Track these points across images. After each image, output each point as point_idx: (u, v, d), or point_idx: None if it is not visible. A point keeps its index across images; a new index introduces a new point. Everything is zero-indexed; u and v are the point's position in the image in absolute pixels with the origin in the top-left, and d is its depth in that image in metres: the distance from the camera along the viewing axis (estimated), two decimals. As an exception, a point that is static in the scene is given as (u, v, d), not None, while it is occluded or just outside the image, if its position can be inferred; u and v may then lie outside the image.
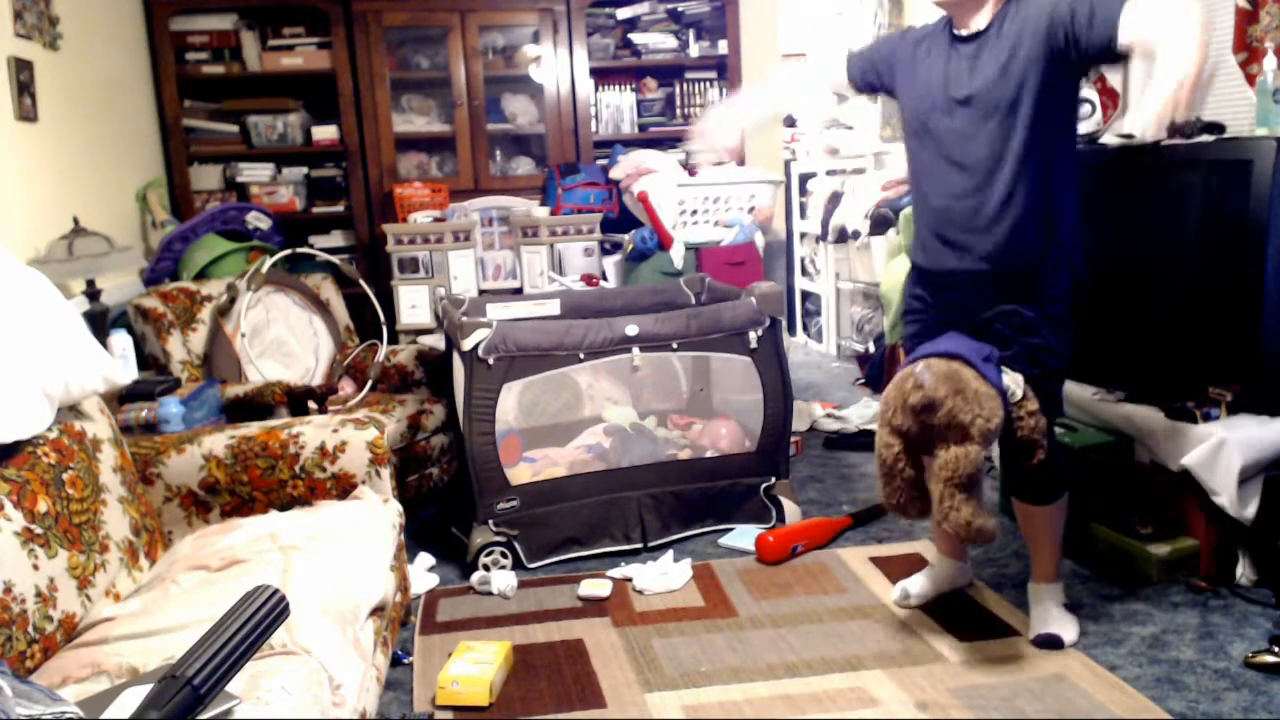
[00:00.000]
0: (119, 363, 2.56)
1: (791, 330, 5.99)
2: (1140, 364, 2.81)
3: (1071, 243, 2.19)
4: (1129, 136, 2.95)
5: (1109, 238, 2.90)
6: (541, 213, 4.09)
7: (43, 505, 1.71)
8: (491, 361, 2.72)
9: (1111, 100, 3.66)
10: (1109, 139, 3.03)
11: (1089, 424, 2.88)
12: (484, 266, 4.18)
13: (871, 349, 4.86)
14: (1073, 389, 2.98)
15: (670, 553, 2.83)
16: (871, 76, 2.38)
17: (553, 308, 3.32)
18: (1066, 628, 2.29)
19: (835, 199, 5.31)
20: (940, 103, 2.16)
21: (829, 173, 5.53)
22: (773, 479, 3.03)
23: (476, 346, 2.70)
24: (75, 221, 2.96)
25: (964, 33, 2.14)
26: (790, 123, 6.26)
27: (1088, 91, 3.07)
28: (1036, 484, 2.29)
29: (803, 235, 5.92)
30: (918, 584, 2.51)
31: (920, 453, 2.13)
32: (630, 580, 2.68)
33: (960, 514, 2.03)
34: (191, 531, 2.13)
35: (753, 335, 2.93)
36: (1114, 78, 3.67)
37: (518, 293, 4.08)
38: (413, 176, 4.47)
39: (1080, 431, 2.83)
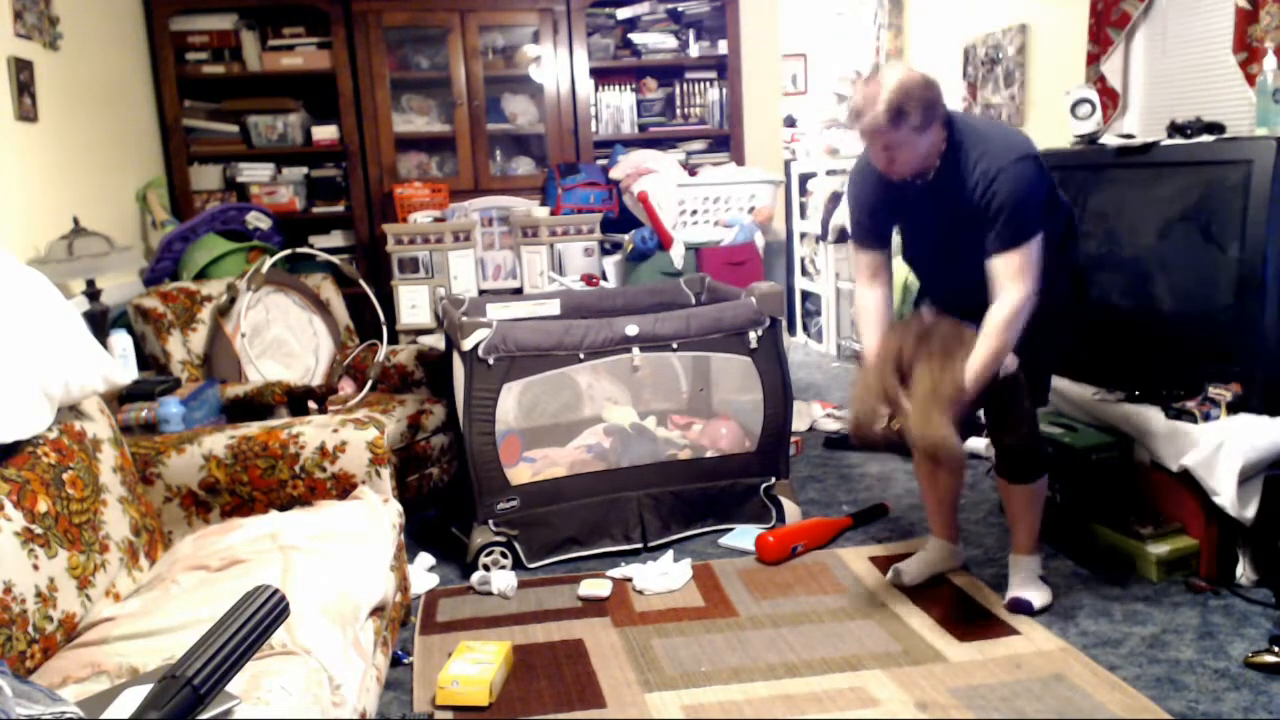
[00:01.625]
0: (119, 363, 2.56)
1: (791, 330, 5.99)
2: (1140, 364, 2.81)
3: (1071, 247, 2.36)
4: (1129, 136, 2.95)
5: (1109, 237, 2.90)
6: (541, 213, 4.10)
7: (43, 505, 1.71)
8: (491, 361, 2.72)
9: (1111, 100, 3.66)
10: (1109, 139, 3.03)
11: (1089, 424, 2.88)
12: (484, 266, 4.18)
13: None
14: (1073, 389, 2.98)
15: (670, 553, 2.83)
16: (883, 232, 2.48)
17: (553, 308, 3.32)
18: (1038, 595, 2.44)
19: (835, 199, 5.31)
20: (921, 230, 2.41)
21: (829, 173, 5.53)
22: (773, 479, 3.03)
23: (476, 346, 2.70)
24: (75, 221, 2.96)
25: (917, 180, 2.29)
26: (790, 123, 6.27)
27: (1087, 92, 3.08)
28: (1017, 464, 2.44)
29: (803, 235, 5.92)
30: (912, 565, 2.62)
31: (904, 384, 2.27)
32: (630, 580, 2.68)
33: (934, 426, 2.15)
34: (191, 531, 2.13)
35: (753, 335, 2.93)
36: (1114, 78, 3.68)
37: (518, 293, 4.08)
38: (413, 176, 4.48)
39: (1080, 431, 2.83)
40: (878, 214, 2.44)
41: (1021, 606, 2.41)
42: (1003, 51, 4.35)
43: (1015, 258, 2.17)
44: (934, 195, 2.27)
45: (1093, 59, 3.69)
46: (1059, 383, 3.04)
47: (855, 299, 2.55)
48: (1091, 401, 2.87)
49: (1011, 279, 2.18)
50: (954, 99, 4.76)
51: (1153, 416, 2.64)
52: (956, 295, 2.36)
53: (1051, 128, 3.81)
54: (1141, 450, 2.72)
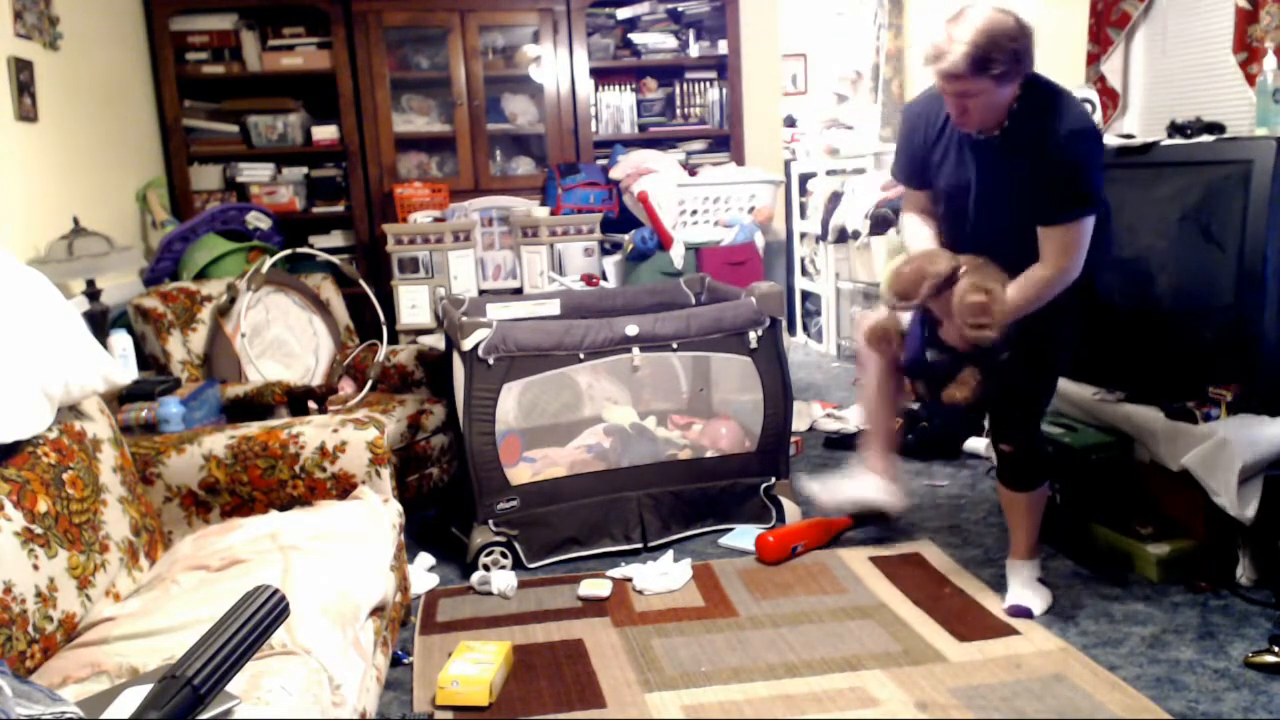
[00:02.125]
0: (119, 363, 2.56)
1: (791, 330, 5.99)
2: (1140, 364, 2.81)
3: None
4: (1129, 136, 2.95)
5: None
6: (541, 213, 4.10)
7: (43, 505, 1.71)
8: (491, 361, 2.72)
9: (1112, 100, 3.67)
10: (1109, 139, 3.03)
11: (1089, 424, 2.88)
12: (484, 266, 4.18)
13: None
14: (1073, 389, 2.98)
15: (670, 553, 2.83)
16: (928, 177, 2.39)
17: (553, 308, 3.32)
18: (1037, 600, 2.43)
19: (835, 199, 5.31)
20: (962, 191, 2.29)
21: (829, 173, 5.53)
22: (773, 479, 3.03)
23: (476, 346, 2.70)
24: (75, 221, 2.96)
25: (979, 136, 2.21)
26: (790, 123, 6.27)
27: (1087, 92, 3.08)
28: (1017, 471, 2.44)
29: (803, 235, 5.92)
30: (836, 486, 2.69)
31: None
32: (630, 580, 2.68)
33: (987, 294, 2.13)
34: (191, 531, 2.13)
35: (753, 335, 2.93)
36: (1114, 78, 3.68)
37: (518, 293, 4.08)
38: (413, 176, 4.48)
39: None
40: (926, 162, 2.34)
41: (1021, 612, 2.41)
42: (1003, 51, 4.34)
43: (1070, 231, 2.12)
44: (996, 152, 2.17)
45: (1093, 59, 3.69)
46: (1059, 382, 3.04)
47: (902, 226, 2.51)
48: (1091, 401, 2.87)
49: (1060, 252, 2.14)
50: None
51: (1153, 416, 2.64)
52: (985, 251, 2.27)
53: (1051, 128, 3.80)
54: (1141, 450, 2.72)
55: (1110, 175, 2.89)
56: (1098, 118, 3.06)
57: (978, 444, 3.59)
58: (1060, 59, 3.96)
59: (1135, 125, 3.67)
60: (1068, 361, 2.46)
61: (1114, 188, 2.88)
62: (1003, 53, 2.00)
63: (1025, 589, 2.45)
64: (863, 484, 2.68)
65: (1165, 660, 2.17)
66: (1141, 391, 2.76)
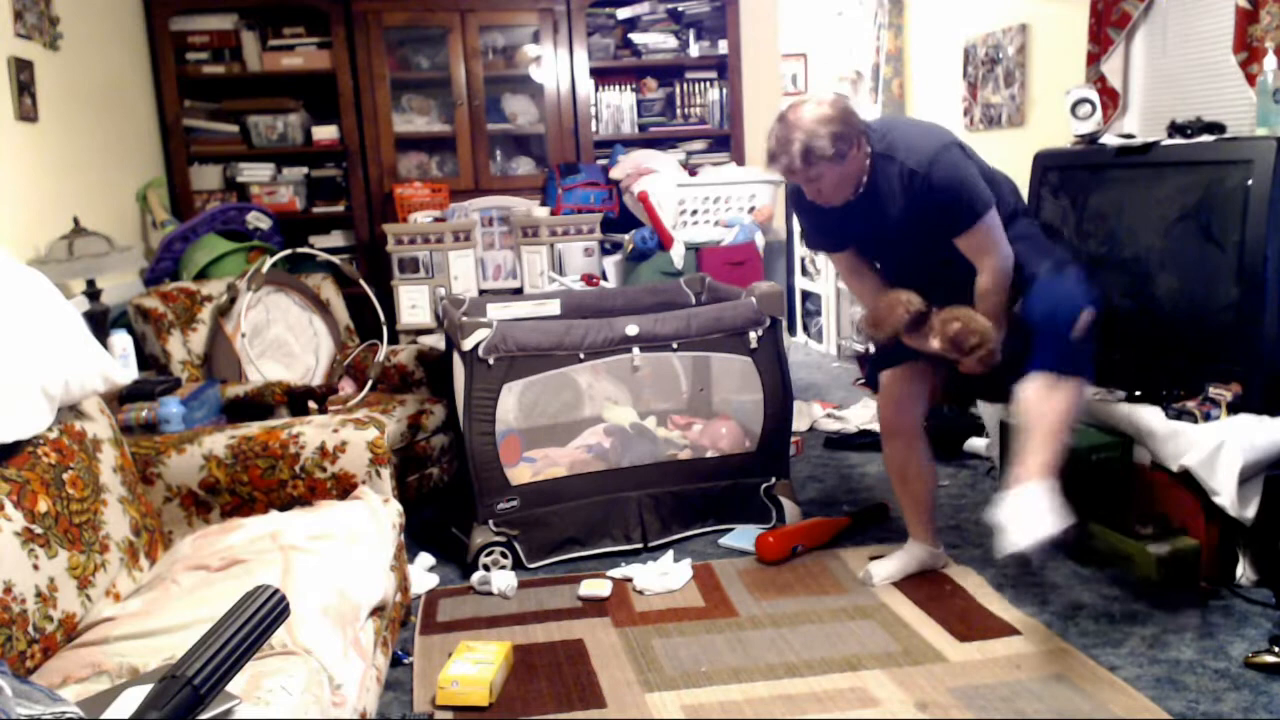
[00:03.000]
0: (119, 363, 2.56)
1: (792, 330, 5.99)
2: (1140, 364, 2.81)
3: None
4: (1129, 136, 2.95)
5: (1109, 238, 2.90)
6: (542, 213, 4.09)
7: (43, 505, 1.71)
8: (491, 361, 2.72)
9: (1112, 100, 3.66)
10: (1109, 139, 3.03)
11: (1089, 424, 2.88)
12: (484, 266, 4.18)
13: (871, 349, 4.86)
14: (1073, 389, 2.97)
15: (670, 553, 2.83)
16: (840, 240, 2.54)
17: (553, 308, 3.32)
18: (1044, 524, 2.08)
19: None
20: (880, 242, 2.45)
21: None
22: (773, 479, 3.03)
23: (477, 346, 2.70)
24: (75, 221, 2.96)
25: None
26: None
27: (1088, 92, 3.08)
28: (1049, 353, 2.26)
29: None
30: (885, 566, 2.64)
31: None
32: (630, 580, 2.68)
33: (971, 319, 2.29)
34: (192, 531, 2.13)
35: (753, 335, 2.93)
36: (1114, 78, 3.68)
37: (518, 293, 4.08)
38: (413, 176, 4.47)
39: (1080, 431, 2.82)
40: (829, 229, 2.51)
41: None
42: (1003, 51, 4.35)
43: (977, 234, 2.28)
44: (874, 205, 2.32)
45: (1093, 59, 3.69)
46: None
47: (848, 286, 2.64)
48: (1091, 401, 2.87)
49: (983, 252, 2.31)
50: (954, 99, 4.77)
51: (1153, 416, 2.63)
52: (925, 289, 2.39)
53: (1052, 127, 3.81)
54: (1141, 450, 2.72)
55: (1110, 175, 2.91)
56: (1098, 117, 3.05)
57: (978, 444, 3.59)
58: (1060, 59, 3.96)
59: (1135, 125, 3.67)
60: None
61: (1114, 188, 2.89)
62: (826, 139, 2.18)
63: (1031, 511, 2.08)
64: (908, 556, 2.66)
65: (1165, 660, 2.17)
66: (1142, 391, 2.76)
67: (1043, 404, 2.21)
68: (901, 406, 2.57)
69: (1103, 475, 2.74)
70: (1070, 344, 2.24)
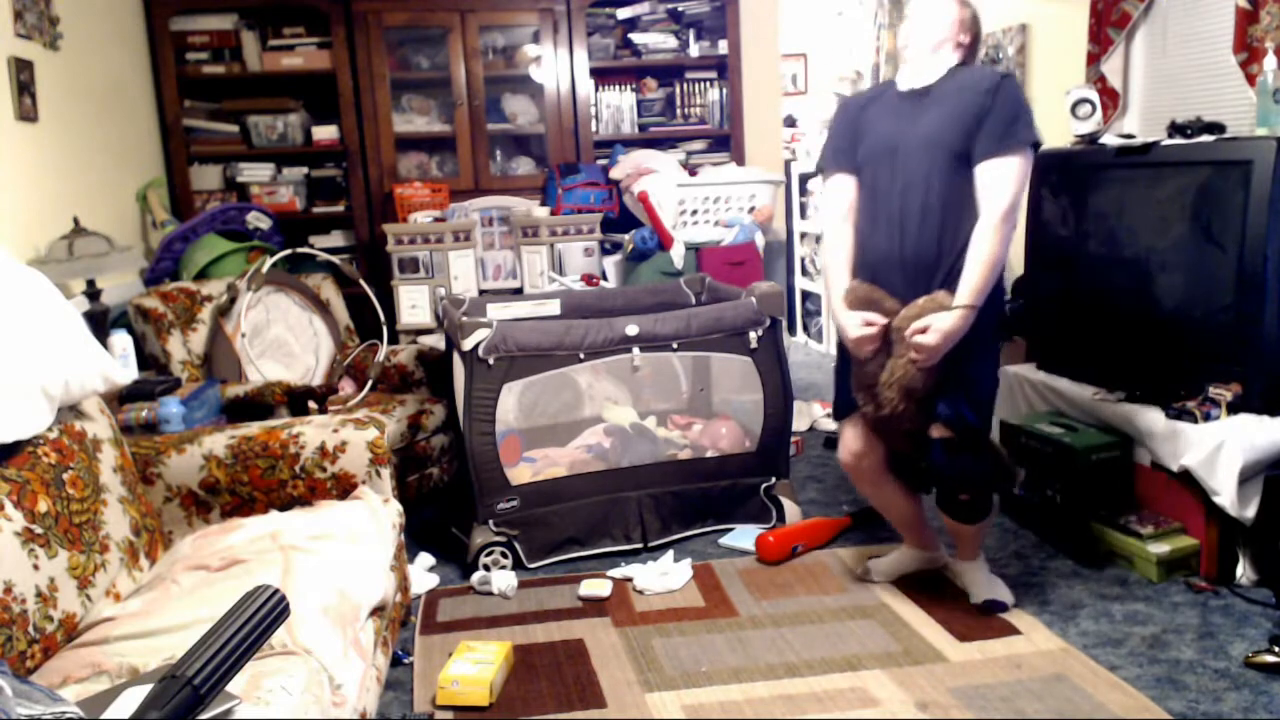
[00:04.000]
0: (119, 363, 2.56)
1: (792, 330, 5.99)
2: (1140, 364, 2.81)
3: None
4: (1129, 136, 2.95)
5: (1109, 237, 2.90)
6: (541, 213, 4.09)
7: (43, 505, 1.71)
8: (491, 361, 2.72)
9: (1112, 100, 3.66)
10: (1109, 139, 3.03)
11: (1089, 424, 2.88)
12: (484, 266, 4.18)
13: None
14: (1072, 389, 2.98)
15: (670, 553, 2.83)
16: (859, 159, 2.41)
17: (553, 308, 3.32)
18: (1004, 591, 2.48)
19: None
20: (887, 148, 2.32)
21: (829, 173, 5.53)
22: (773, 479, 3.03)
23: (477, 346, 2.70)
24: (75, 221, 2.96)
25: (912, 88, 2.35)
26: (790, 123, 6.27)
27: (1088, 92, 3.08)
28: (973, 511, 2.43)
29: (803, 235, 5.92)
30: (884, 564, 2.66)
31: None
32: (630, 580, 2.68)
33: (899, 407, 2.28)
34: (192, 531, 2.13)
35: (753, 335, 2.93)
36: (1114, 78, 3.68)
37: (518, 293, 4.08)
38: (413, 176, 4.47)
39: (1080, 431, 2.83)
40: (859, 140, 2.39)
41: (996, 607, 2.43)
42: (1003, 51, 4.35)
43: (1009, 163, 2.18)
44: (928, 108, 2.28)
45: (1093, 59, 3.69)
46: (1058, 382, 3.05)
47: (827, 237, 2.46)
48: (1091, 401, 2.87)
49: (1001, 191, 2.18)
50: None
51: (1153, 416, 2.64)
52: (904, 259, 2.28)
53: (1052, 127, 3.79)
54: (1141, 450, 2.72)
55: (1110, 175, 2.91)
56: (1098, 117, 3.05)
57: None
58: (1060, 59, 3.95)
59: (1135, 125, 3.67)
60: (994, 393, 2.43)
61: (1114, 188, 2.89)
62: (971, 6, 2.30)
63: (989, 584, 2.49)
64: (905, 556, 2.68)
65: (1165, 660, 2.18)
66: (1142, 391, 2.76)
67: (970, 532, 2.47)
68: (859, 455, 2.50)
69: (1103, 475, 2.75)
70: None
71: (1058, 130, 3.29)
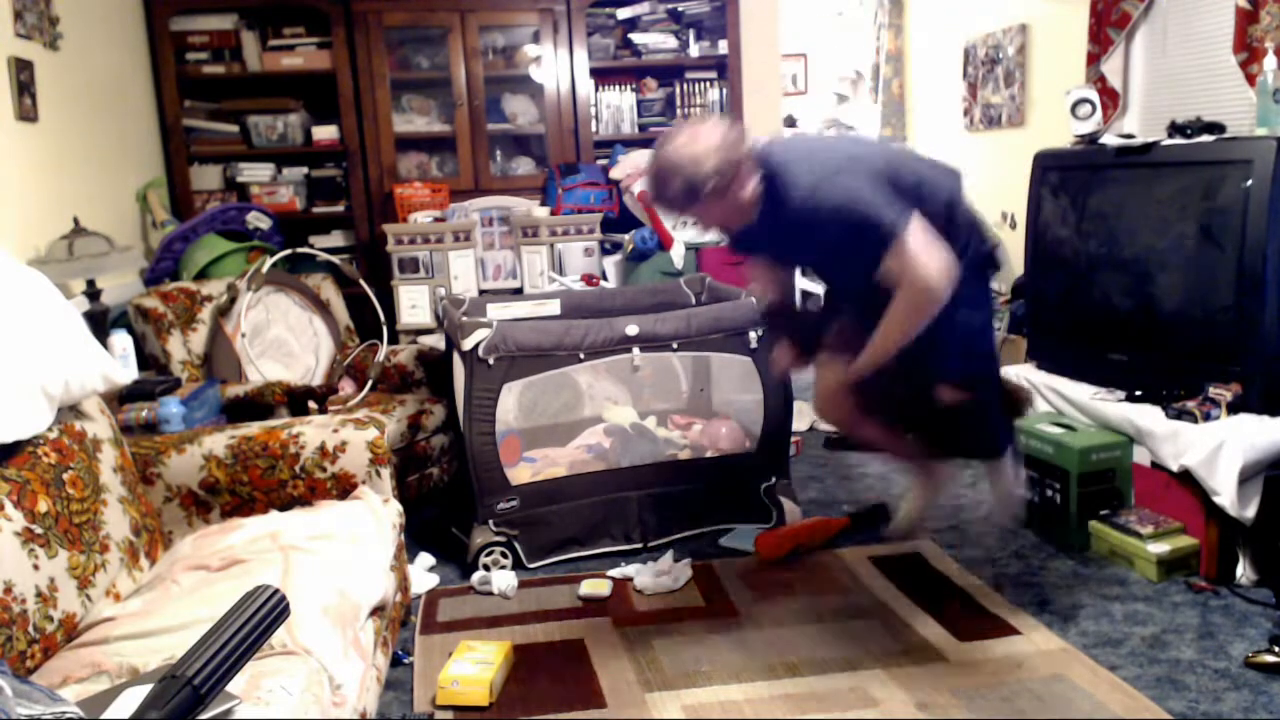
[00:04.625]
0: (119, 362, 2.56)
1: (791, 330, 5.98)
2: (1140, 364, 2.81)
3: None
4: (1129, 136, 2.95)
5: (1109, 238, 2.90)
6: (542, 213, 4.10)
7: (43, 505, 1.71)
8: (491, 361, 2.72)
9: (1112, 100, 3.66)
10: (1109, 139, 3.04)
11: (1088, 424, 2.88)
12: (484, 266, 4.18)
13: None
14: (1072, 388, 2.98)
15: (670, 553, 2.83)
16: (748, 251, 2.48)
17: (553, 308, 3.32)
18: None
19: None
20: (788, 254, 2.41)
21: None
22: (773, 479, 3.03)
23: (477, 346, 2.70)
24: (75, 221, 2.96)
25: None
26: (790, 123, 6.27)
27: (1088, 92, 3.08)
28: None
29: (803, 235, 5.91)
30: (903, 514, 2.76)
31: None
32: (630, 580, 2.68)
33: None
34: (192, 531, 2.13)
35: (753, 335, 2.93)
36: (1114, 78, 3.68)
37: (518, 293, 4.08)
38: (413, 176, 4.47)
39: (1080, 431, 2.83)
40: (738, 243, 2.38)
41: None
42: (1003, 51, 4.35)
43: (902, 242, 2.03)
44: (774, 229, 2.16)
45: (1093, 59, 3.69)
46: (1058, 382, 3.05)
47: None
48: (1091, 401, 2.87)
49: (913, 255, 2.03)
50: (954, 99, 4.77)
51: (1153, 416, 2.64)
52: (859, 297, 2.27)
53: (1052, 128, 3.81)
54: (1141, 450, 2.72)
55: (1110, 175, 2.91)
56: (1098, 117, 3.05)
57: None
58: (1060, 59, 3.96)
59: (1135, 125, 3.67)
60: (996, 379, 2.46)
61: (1114, 188, 2.89)
62: (701, 173, 2.00)
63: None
64: (921, 496, 2.73)
65: (1165, 660, 2.18)
66: (1142, 391, 2.76)
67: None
68: (832, 394, 2.49)
69: (1103, 475, 2.75)
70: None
71: (1058, 130, 3.29)
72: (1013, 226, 4.15)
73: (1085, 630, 2.33)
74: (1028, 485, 2.83)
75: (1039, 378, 3.14)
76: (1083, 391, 2.93)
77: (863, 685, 2.13)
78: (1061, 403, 3.02)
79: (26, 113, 2.86)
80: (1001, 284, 4.03)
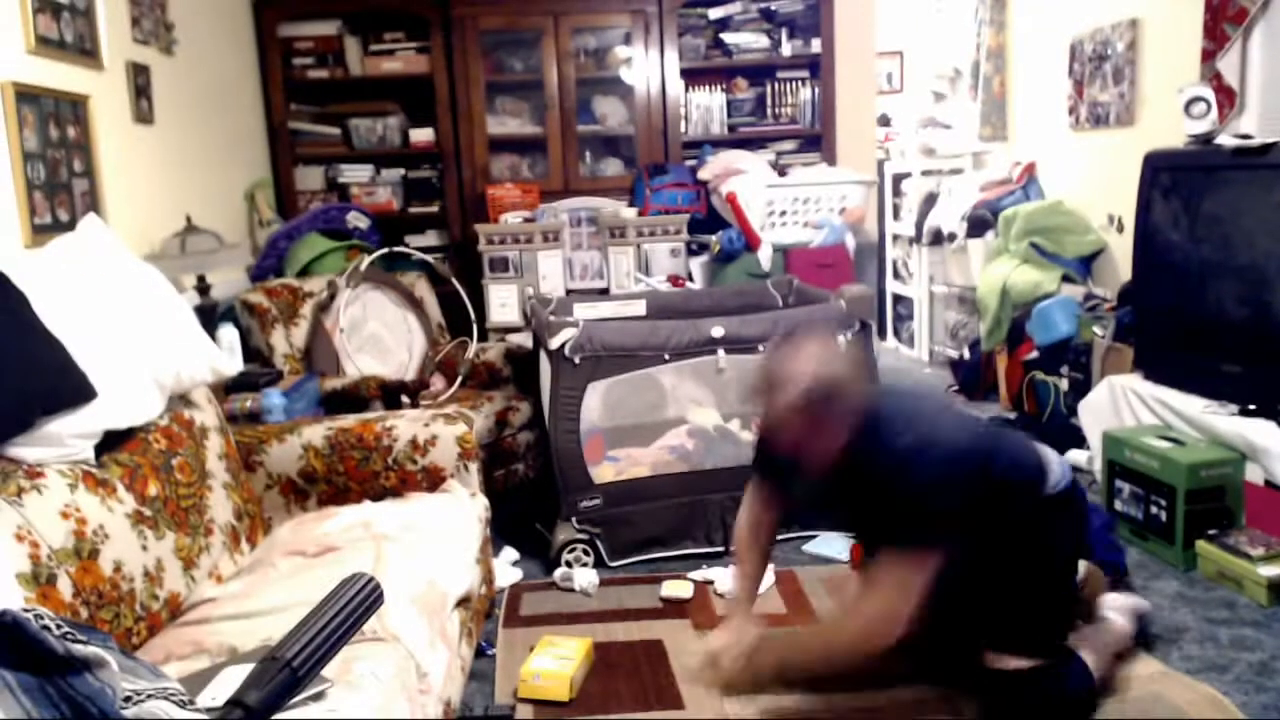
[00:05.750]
0: (226, 355, 2.67)
1: (882, 334, 5.88)
2: (1255, 376, 2.66)
3: None
4: (1247, 136, 2.80)
5: (1223, 242, 2.76)
6: (629, 213, 4.11)
7: (153, 489, 1.80)
8: (577, 360, 2.74)
9: (1228, 99, 3.48)
10: (1225, 139, 2.89)
11: (1198, 438, 2.75)
12: (571, 266, 4.22)
13: (966, 355, 4.73)
14: (1181, 400, 2.84)
15: (753, 556, 2.80)
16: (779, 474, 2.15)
17: (638, 308, 3.32)
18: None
19: (930, 200, 5.18)
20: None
21: (924, 173, 5.40)
22: (859, 485, 2.97)
23: (563, 345, 2.73)
24: (188, 219, 3.10)
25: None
26: (885, 122, 6.15)
27: (1202, 89, 2.93)
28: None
29: (895, 237, 5.80)
30: None
31: None
32: (712, 583, 2.67)
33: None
34: (290, 518, 2.21)
35: (841, 339, 2.88)
36: (1230, 76, 3.50)
37: (604, 293, 4.10)
38: (505, 177, 4.54)
39: (1188, 446, 2.70)
40: (778, 463, 2.10)
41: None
42: (1111, 47, 4.18)
43: (903, 561, 1.82)
44: (840, 474, 1.94)
45: (1208, 55, 3.51)
46: (1166, 394, 2.91)
47: (739, 514, 2.25)
48: (1201, 414, 2.74)
49: (885, 584, 1.84)
50: (1059, 97, 4.60)
51: (1268, 431, 2.50)
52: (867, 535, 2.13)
53: (1163, 127, 3.64)
54: (1254, 467, 2.58)
55: (1226, 177, 2.77)
56: (1213, 117, 2.90)
57: (1078, 456, 3.46)
58: (1173, 55, 3.78)
59: (1253, 125, 3.48)
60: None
61: (1230, 190, 2.75)
62: (820, 401, 1.84)
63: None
64: None
65: (1273, 688, 2.06)
66: (1256, 405, 2.62)
67: None
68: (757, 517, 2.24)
69: (1212, 493, 2.61)
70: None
71: (1170, 130, 3.15)
72: (1120, 230, 3.99)
73: (1189, 655, 2.22)
74: (1133, 504, 2.64)
75: (1146, 388, 3.01)
76: (1193, 404, 2.79)
77: (945, 697, 2.07)
78: (1169, 415, 2.89)
79: (144, 115, 3.01)
80: (1107, 289, 3.87)
